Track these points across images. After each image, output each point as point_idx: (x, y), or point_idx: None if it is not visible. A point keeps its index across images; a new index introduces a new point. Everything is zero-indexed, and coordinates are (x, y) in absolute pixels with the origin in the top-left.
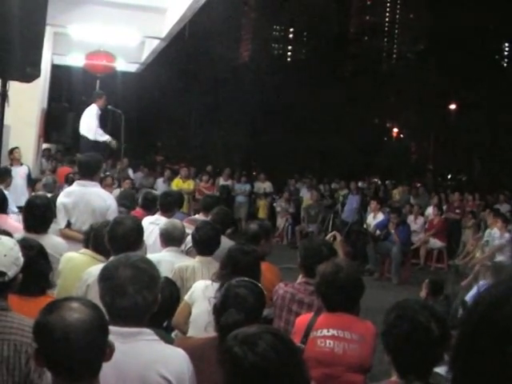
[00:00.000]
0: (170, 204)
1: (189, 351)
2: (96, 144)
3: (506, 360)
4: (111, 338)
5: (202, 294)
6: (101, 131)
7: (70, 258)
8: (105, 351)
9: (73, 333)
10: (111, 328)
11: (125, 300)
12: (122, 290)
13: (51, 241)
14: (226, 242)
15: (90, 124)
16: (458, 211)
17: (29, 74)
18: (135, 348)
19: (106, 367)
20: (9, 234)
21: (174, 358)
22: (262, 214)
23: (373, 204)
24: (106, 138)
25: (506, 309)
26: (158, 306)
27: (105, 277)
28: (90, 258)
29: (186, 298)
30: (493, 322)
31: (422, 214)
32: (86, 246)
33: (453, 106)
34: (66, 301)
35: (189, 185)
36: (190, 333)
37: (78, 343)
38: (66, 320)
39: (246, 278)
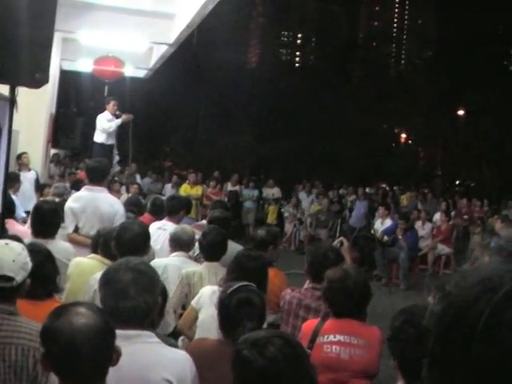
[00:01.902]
0: (176, 207)
1: (204, 353)
2: (108, 150)
3: (473, 360)
4: None
5: (208, 300)
6: (109, 124)
7: (79, 263)
8: (111, 356)
9: (79, 337)
10: None
11: (127, 302)
12: (124, 293)
13: (59, 245)
14: (234, 248)
15: (100, 129)
16: (465, 217)
17: (37, 79)
18: (136, 350)
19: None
20: (18, 239)
21: (176, 360)
22: (271, 219)
23: (381, 210)
24: (116, 121)
25: (475, 310)
26: (158, 308)
27: (106, 281)
28: (99, 262)
29: (193, 303)
30: (462, 324)
31: (430, 220)
32: (94, 251)
33: (461, 112)
34: (73, 306)
35: (197, 190)
36: (197, 337)
37: (85, 348)
38: (73, 325)
39: (239, 283)
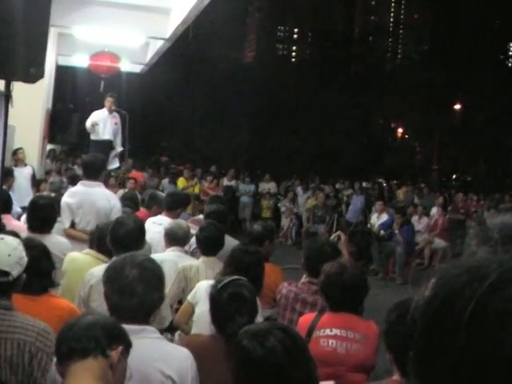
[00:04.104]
0: (174, 203)
1: (197, 349)
2: (104, 146)
3: (459, 352)
4: None
5: (205, 294)
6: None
7: (74, 259)
8: (105, 352)
9: (86, 322)
10: None
11: (134, 299)
12: (130, 290)
13: (55, 240)
14: (230, 242)
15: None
16: (462, 211)
17: (32, 74)
18: (137, 345)
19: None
20: (16, 235)
21: (177, 356)
22: (266, 213)
23: (378, 204)
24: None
25: (460, 301)
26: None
27: (112, 277)
28: (94, 258)
29: (189, 297)
30: (447, 315)
31: (427, 215)
32: (91, 247)
33: (457, 106)
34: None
35: (194, 187)
36: (194, 332)
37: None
38: (85, 317)
39: (229, 277)
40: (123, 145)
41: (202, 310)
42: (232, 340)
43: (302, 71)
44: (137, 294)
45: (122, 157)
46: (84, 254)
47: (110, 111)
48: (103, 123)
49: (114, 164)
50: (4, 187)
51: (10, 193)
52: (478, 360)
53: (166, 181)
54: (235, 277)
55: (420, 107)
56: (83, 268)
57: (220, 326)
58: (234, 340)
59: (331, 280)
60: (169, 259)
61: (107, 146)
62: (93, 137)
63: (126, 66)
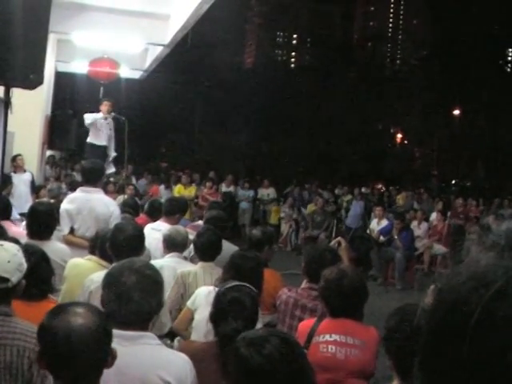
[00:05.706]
0: (172, 209)
1: (191, 355)
2: (100, 152)
3: (465, 358)
4: (113, 340)
5: (204, 300)
6: (86, 116)
7: (76, 264)
8: (107, 357)
9: (75, 337)
10: (114, 331)
11: (131, 306)
12: (127, 297)
13: (54, 247)
14: (229, 248)
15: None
16: (461, 216)
17: (32, 80)
18: (137, 351)
19: (108, 370)
20: (16, 241)
21: (176, 362)
22: (275, 219)
23: (378, 210)
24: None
25: (466, 307)
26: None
27: (109, 283)
28: (96, 264)
29: (189, 303)
30: (453, 321)
31: (426, 220)
32: (92, 252)
33: (456, 112)
34: (72, 305)
35: (190, 191)
36: (193, 338)
37: (80, 347)
38: (70, 324)
39: (237, 282)
40: (122, 150)
41: (202, 315)
42: (223, 342)
43: (301, 77)
44: (134, 300)
45: (118, 161)
46: (86, 259)
47: (106, 117)
48: (99, 127)
49: (110, 169)
50: (3, 193)
51: (10, 199)
52: (485, 366)
53: (162, 187)
54: (243, 283)
55: (419, 112)
56: (85, 274)
57: (214, 324)
58: (230, 346)
59: (330, 286)
60: (167, 265)
61: (103, 151)
62: (89, 140)
63: (126, 72)
